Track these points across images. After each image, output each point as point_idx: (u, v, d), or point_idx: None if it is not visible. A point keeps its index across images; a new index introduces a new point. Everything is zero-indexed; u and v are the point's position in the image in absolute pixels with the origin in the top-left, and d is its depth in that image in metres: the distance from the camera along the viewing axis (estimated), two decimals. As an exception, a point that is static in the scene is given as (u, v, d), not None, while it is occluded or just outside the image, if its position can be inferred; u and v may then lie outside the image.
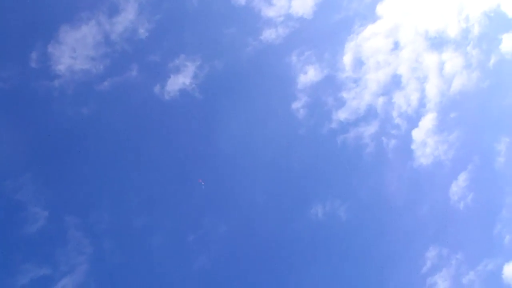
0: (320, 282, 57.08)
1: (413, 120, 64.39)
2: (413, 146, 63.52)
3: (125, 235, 52.39)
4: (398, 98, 64.51)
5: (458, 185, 62.64)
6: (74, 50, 52.76)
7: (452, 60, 66.19)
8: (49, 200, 49.97)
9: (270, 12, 60.87)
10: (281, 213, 58.61)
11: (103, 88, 54.08)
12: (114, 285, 50.70)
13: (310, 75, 61.90)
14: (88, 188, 52.01)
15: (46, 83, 51.72)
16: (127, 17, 54.88)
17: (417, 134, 63.94)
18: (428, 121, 64.52)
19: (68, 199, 50.97)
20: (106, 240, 51.44)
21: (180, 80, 56.67)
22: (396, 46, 65.16)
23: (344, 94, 63.02)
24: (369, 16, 64.47)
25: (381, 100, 64.22)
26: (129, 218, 53.01)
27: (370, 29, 64.59)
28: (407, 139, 63.75)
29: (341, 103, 62.68)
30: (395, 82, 64.96)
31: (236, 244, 55.45)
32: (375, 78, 64.22)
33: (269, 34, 60.56)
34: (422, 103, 65.03)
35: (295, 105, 60.88)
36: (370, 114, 63.73)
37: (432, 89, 65.52)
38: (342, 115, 62.35)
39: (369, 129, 62.93)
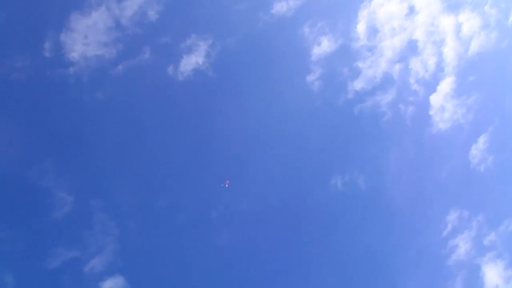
0: (341, 251, 55.39)
1: (431, 86, 61.01)
2: (431, 112, 60.47)
3: (149, 215, 51.13)
4: (415, 64, 61.00)
5: (478, 148, 59.66)
6: (86, 37, 50.58)
7: (469, 21, 61.80)
8: (73, 185, 48.89)
9: (280, -16, 57.23)
10: (301, 185, 56.52)
11: (117, 73, 52.05)
12: (141, 264, 49.71)
13: (324, 46, 58.37)
14: (110, 171, 50.43)
15: (61, 71, 49.84)
16: (136, 0, 51.99)
17: (435, 99, 60.65)
18: (446, 85, 60.95)
19: (92, 183, 49.84)
20: (131, 221, 50.46)
21: (193, 60, 54.07)
22: (411, 10, 61.02)
23: (360, 64, 59.68)
24: (382, -19, 60.25)
25: (397, 67, 60.75)
26: (151, 198, 51.64)
27: (383, -6, 60.83)
28: (425, 105, 60.67)
29: (356, 73, 59.44)
30: (411, 48, 61.28)
31: (258, 218, 53.73)
32: (390, 45, 60.47)
33: (280, 7, 56.89)
34: (439, 68, 61.39)
35: (310, 77, 57.86)
36: (386, 82, 60.31)
37: (450, 52, 61.58)
38: (358, 84, 59.22)
39: (386, 97, 59.73)
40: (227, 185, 50.48)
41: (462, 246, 56.48)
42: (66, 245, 47.40)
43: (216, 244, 52.29)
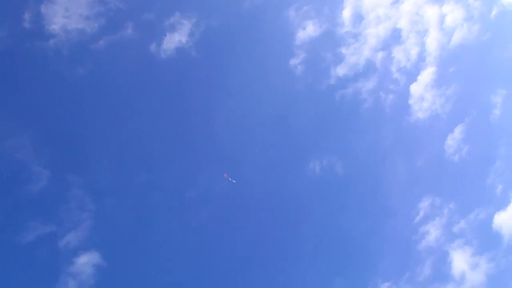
0: (317, 235, 55.10)
1: (412, 75, 60.70)
2: (410, 101, 60.17)
3: (126, 192, 50.33)
4: (398, 53, 60.56)
5: (454, 138, 59.53)
6: (68, 9, 48.75)
7: (453, 13, 61.31)
8: (50, 159, 47.80)
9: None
10: (279, 168, 56.11)
11: (98, 47, 50.70)
12: (117, 240, 49.05)
13: (308, 30, 57.76)
14: (88, 147, 49.52)
15: (40, 44, 48.49)
16: (120, -26, 50.16)
17: (415, 89, 60.42)
18: (427, 75, 60.72)
19: (69, 159, 48.81)
20: (107, 198, 49.66)
21: (176, 38, 52.99)
22: (397, -1, 60.57)
23: (343, 50, 59.02)
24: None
25: (380, 55, 60.32)
26: (129, 176, 50.91)
27: (370, -18, 59.79)
28: (405, 94, 60.43)
29: (340, 59, 58.79)
30: (395, 37, 60.82)
31: (235, 200, 53.10)
32: (374, 33, 59.97)
33: (266, -11, 55.65)
34: (421, 57, 61.05)
35: (293, 61, 57.20)
36: (369, 69, 59.92)
37: (432, 43, 61.29)
38: (340, 71, 58.64)
39: (368, 85, 59.37)
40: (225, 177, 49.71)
41: (433, 232, 56.76)
42: (42, 220, 46.52)
43: (192, 223, 52.10)
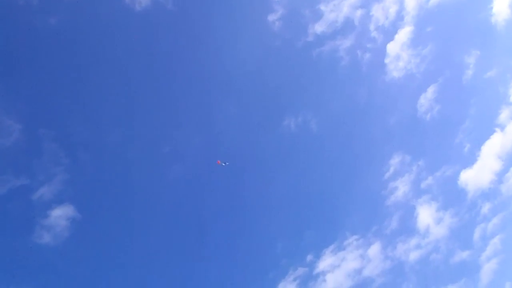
0: (291, 189, 56.01)
1: (389, 34, 59.87)
2: (386, 60, 59.50)
3: (101, 147, 49.34)
4: (377, 11, 59.39)
5: (426, 98, 59.90)
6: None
7: (433, -28, 59.98)
8: (21, 113, 45.78)
9: None
10: (254, 125, 55.66)
11: (71, -3, 47.44)
12: (92, 193, 48.50)
13: (287, -14, 55.26)
14: (61, 100, 47.75)
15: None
16: None
17: (392, 48, 59.73)
18: (404, 34, 59.95)
19: (41, 112, 46.97)
20: (82, 152, 48.51)
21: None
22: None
23: (322, 6, 57.44)
24: None
25: (359, 13, 59.00)
26: (104, 130, 49.66)
27: None
28: (381, 53, 59.62)
29: (318, 16, 57.21)
30: (375, -6, 59.41)
31: (210, 155, 52.33)
32: (354, -10, 58.27)
33: None
34: (399, 16, 60.01)
35: (271, 17, 55.38)
36: (347, 27, 58.73)
37: (411, 2, 59.92)
38: (319, 28, 57.26)
39: (345, 43, 58.37)
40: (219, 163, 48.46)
41: (401, 188, 57.91)
42: (14, 173, 45.18)
43: (167, 178, 51.68)
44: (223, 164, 47.11)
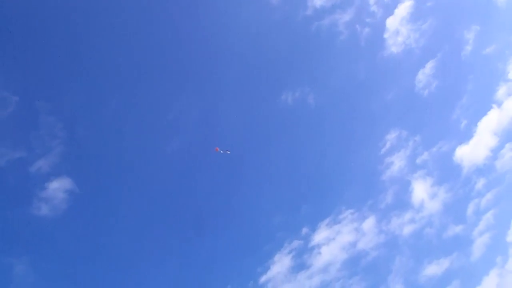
0: (288, 163, 56.00)
1: (389, 8, 58.74)
2: (386, 35, 58.65)
3: (99, 119, 48.91)
4: (377, -16, 58.42)
5: (425, 73, 59.17)
6: None
7: None
8: (18, 85, 45.01)
9: None
10: (252, 99, 55.26)
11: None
12: (89, 166, 48.42)
13: (287, -43, 53.83)
14: (58, 72, 46.93)
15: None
16: None
17: (391, 23, 58.73)
18: (404, 9, 58.81)
19: (39, 84, 46.37)
20: (79, 125, 48.15)
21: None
22: None
23: (322, -22, 56.48)
24: None
25: (359, -15, 57.95)
26: (102, 102, 49.23)
27: None
28: (381, 28, 58.70)
29: (318, -12, 56.35)
30: (375, -34, 58.03)
31: (208, 128, 52.88)
32: (355, -39, 56.91)
33: None
34: (400, -11, 59.06)
35: (270, -11, 54.24)
36: (346, 1, 57.72)
37: (412, -26, 59.09)
38: (318, 1, 56.21)
39: (344, 17, 57.31)
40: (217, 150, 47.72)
41: (397, 163, 57.85)
42: (11, 145, 44.92)
43: (165, 150, 51.59)
44: (222, 152, 46.75)
